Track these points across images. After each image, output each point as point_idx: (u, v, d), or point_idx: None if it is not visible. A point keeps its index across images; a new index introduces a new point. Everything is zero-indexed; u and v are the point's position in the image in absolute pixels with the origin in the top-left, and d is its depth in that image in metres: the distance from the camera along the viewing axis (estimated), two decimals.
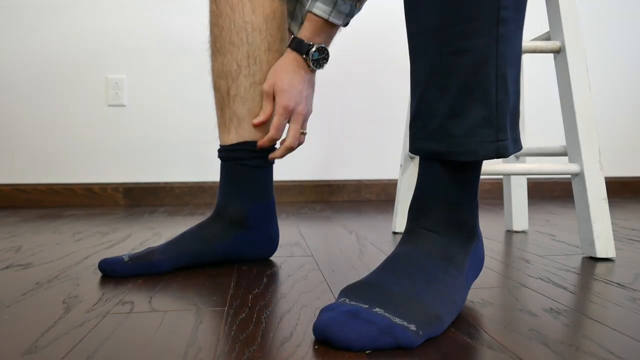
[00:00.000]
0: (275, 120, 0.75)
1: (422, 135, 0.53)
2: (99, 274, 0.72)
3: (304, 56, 0.73)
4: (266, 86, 0.74)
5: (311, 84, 0.77)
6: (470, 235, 0.55)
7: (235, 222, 0.77)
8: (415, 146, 0.54)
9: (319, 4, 0.70)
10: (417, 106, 0.53)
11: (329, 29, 0.74)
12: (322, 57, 0.74)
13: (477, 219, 0.56)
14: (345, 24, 0.74)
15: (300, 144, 0.78)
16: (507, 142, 0.51)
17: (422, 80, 0.52)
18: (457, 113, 0.50)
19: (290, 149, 0.76)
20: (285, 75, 0.73)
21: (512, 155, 1.12)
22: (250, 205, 0.78)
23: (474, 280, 0.56)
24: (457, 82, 0.49)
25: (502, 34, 0.49)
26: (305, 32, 0.73)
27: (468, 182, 0.53)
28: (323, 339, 0.44)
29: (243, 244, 0.78)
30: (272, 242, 0.82)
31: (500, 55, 0.49)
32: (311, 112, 0.78)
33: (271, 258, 0.83)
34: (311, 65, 0.73)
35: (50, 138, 1.74)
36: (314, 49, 0.73)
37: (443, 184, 0.53)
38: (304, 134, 0.78)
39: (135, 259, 0.71)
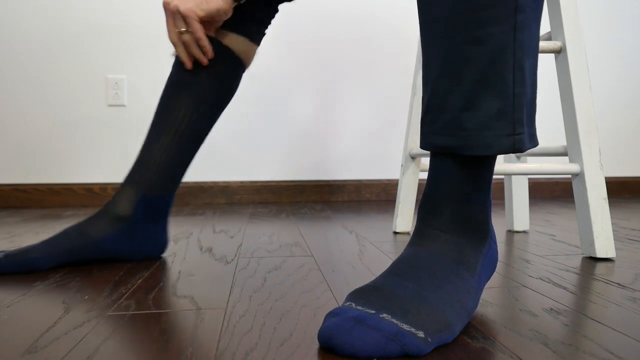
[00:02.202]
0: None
1: (434, 129, 0.50)
2: (99, 274, 0.72)
3: None
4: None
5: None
6: (483, 234, 0.52)
7: (119, 216, 0.78)
8: (426, 141, 0.52)
9: None
10: (429, 99, 0.51)
11: None
12: None
13: (490, 217, 0.53)
14: None
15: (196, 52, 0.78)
16: (523, 137, 0.48)
17: (435, 71, 0.50)
18: (471, 105, 0.48)
19: (173, 43, 0.78)
20: None
21: (514, 155, 1.12)
22: (139, 196, 0.78)
23: (487, 281, 0.54)
24: (472, 73, 0.47)
25: (520, 22, 0.46)
26: None
27: (481, 179, 0.51)
28: (328, 347, 0.42)
29: (124, 240, 0.78)
30: (157, 243, 0.82)
31: (518, 44, 0.47)
32: (193, 11, 0.74)
33: (271, 258, 0.83)
34: None
35: (51, 138, 1.74)
36: None
37: (455, 181, 0.50)
38: (182, 32, 0.76)
39: (12, 256, 0.72)
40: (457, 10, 0.47)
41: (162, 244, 0.83)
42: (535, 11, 0.48)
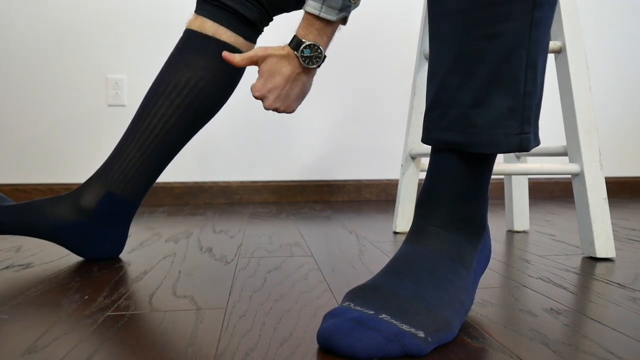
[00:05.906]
0: (256, 84, 0.74)
1: (440, 124, 0.49)
2: (99, 274, 0.72)
3: (296, 52, 0.72)
4: (260, 51, 0.73)
5: (299, 84, 0.75)
6: (479, 230, 0.52)
7: (81, 209, 0.78)
8: (431, 136, 0.51)
9: (310, 2, 0.70)
10: (436, 93, 0.50)
11: (322, 26, 0.72)
12: (314, 55, 0.72)
13: (487, 213, 0.53)
14: (343, 20, 0.73)
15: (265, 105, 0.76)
16: (530, 136, 0.48)
17: (445, 65, 0.49)
18: (481, 102, 0.47)
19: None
20: (277, 62, 0.73)
21: (514, 155, 1.12)
22: (104, 193, 0.78)
23: (481, 275, 0.54)
24: (484, 69, 0.46)
25: (537, 18, 0.45)
26: (299, 30, 0.72)
27: (482, 176, 0.51)
28: (327, 348, 0.42)
29: (78, 234, 0.78)
30: (112, 244, 0.82)
31: (533, 41, 0.46)
32: (286, 109, 0.76)
33: (271, 258, 0.83)
34: (302, 62, 0.72)
35: (51, 138, 1.74)
36: (304, 45, 0.71)
37: (457, 178, 0.50)
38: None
39: None
40: (473, 4, 0.46)
41: (117, 246, 0.83)
42: (552, 7, 0.48)
